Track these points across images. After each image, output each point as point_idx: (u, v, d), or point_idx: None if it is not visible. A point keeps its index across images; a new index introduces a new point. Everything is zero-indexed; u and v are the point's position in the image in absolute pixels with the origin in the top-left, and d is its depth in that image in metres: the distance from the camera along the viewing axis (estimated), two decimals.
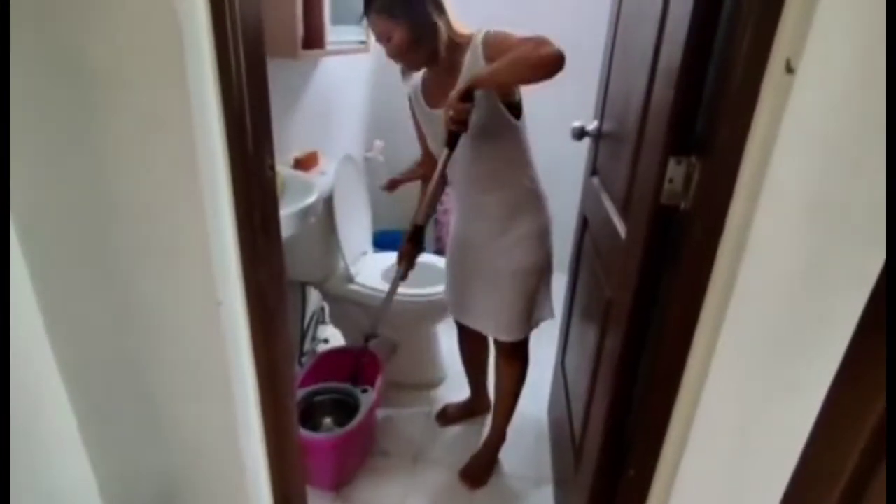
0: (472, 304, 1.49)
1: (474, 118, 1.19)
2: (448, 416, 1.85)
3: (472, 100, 1.15)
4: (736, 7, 0.62)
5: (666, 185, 0.76)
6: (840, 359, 0.52)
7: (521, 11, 2.41)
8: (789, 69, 0.56)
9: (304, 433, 1.39)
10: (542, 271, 1.41)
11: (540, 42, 1.10)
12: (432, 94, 1.35)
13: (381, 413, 1.79)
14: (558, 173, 1.79)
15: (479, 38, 1.22)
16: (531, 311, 1.42)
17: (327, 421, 1.56)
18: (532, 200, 1.36)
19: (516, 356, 1.52)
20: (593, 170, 1.39)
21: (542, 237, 1.38)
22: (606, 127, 1.27)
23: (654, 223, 0.80)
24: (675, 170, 0.74)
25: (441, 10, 1.23)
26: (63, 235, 0.79)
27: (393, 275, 1.55)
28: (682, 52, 0.69)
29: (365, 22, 1.27)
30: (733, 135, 0.62)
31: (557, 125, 1.65)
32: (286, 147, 1.67)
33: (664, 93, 0.77)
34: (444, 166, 1.27)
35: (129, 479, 0.99)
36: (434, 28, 1.23)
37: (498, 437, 1.65)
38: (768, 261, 0.62)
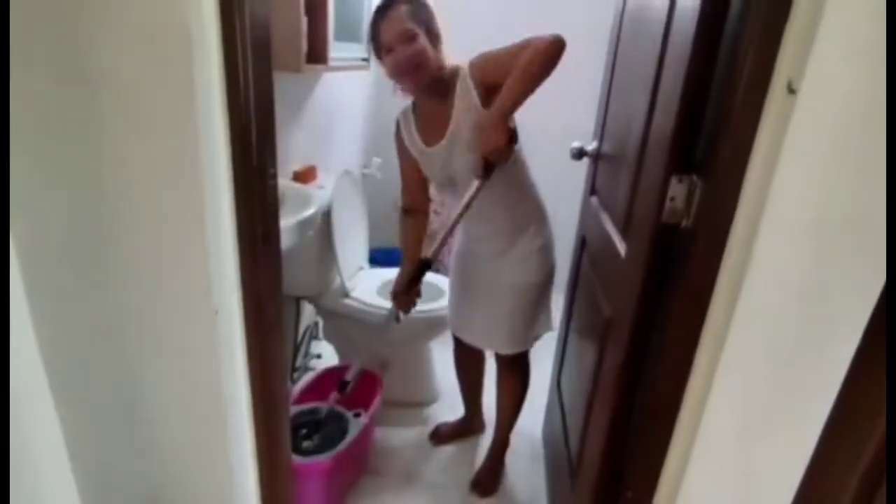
0: (474, 320, 1.49)
1: (475, 156, 1.21)
2: (441, 435, 1.83)
3: (512, 129, 1.17)
4: (738, 28, 0.64)
5: (667, 204, 0.76)
6: (841, 380, 0.52)
7: (520, 33, 2.48)
8: (791, 90, 0.57)
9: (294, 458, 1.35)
10: (546, 284, 1.43)
11: (533, 44, 1.12)
12: (426, 130, 1.35)
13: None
14: (556, 193, 1.81)
15: (465, 72, 1.24)
16: (533, 324, 1.44)
17: (307, 444, 1.47)
18: (536, 216, 1.39)
19: (517, 369, 1.54)
20: (592, 189, 1.40)
21: (546, 252, 1.41)
22: (606, 147, 1.29)
23: (656, 241, 0.80)
24: (677, 188, 0.75)
25: (440, 37, 1.25)
26: (58, 239, 0.78)
27: (386, 312, 1.50)
28: (684, 72, 0.70)
29: (367, 41, 1.29)
30: (735, 154, 0.62)
31: (556, 145, 1.67)
32: (286, 159, 1.68)
33: (666, 113, 0.78)
34: (474, 198, 1.23)
35: (113, 496, 0.96)
36: (439, 52, 1.25)
37: (502, 445, 1.67)
38: (771, 280, 0.62)
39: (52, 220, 0.77)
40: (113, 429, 0.91)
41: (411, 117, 1.38)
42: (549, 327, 1.49)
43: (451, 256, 1.60)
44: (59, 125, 0.72)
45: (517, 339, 1.45)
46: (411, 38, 1.19)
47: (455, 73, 1.26)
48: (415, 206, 1.50)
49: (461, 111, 1.25)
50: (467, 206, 1.24)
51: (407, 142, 1.39)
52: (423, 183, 1.46)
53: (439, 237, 1.31)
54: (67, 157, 0.74)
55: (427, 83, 1.25)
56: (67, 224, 0.77)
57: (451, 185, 1.38)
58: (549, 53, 1.11)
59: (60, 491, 0.89)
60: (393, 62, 1.21)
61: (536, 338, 1.48)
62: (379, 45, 1.24)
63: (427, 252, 1.36)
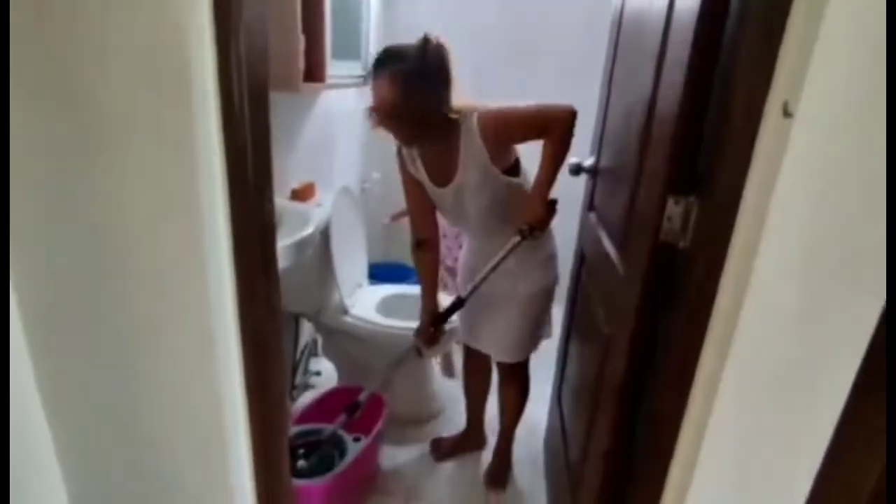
0: (483, 329, 1.53)
1: (478, 202, 1.29)
2: (442, 449, 1.82)
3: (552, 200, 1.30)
4: (733, 49, 0.64)
5: (664, 225, 0.76)
6: (841, 406, 0.51)
7: (520, 47, 2.49)
8: (787, 113, 0.57)
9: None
10: (549, 294, 1.49)
11: (555, 120, 1.22)
12: (431, 169, 1.35)
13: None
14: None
15: (473, 119, 1.24)
16: (536, 333, 1.51)
17: (301, 464, 1.44)
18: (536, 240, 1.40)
19: (519, 376, 1.59)
20: (590, 205, 1.39)
21: (551, 263, 1.46)
22: (603, 163, 1.29)
23: (653, 261, 0.80)
24: (674, 209, 0.75)
25: (448, 86, 1.22)
26: (56, 268, 0.78)
27: (403, 351, 1.50)
28: (680, 94, 0.71)
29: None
30: (732, 177, 0.62)
31: None
32: (284, 178, 1.68)
33: (662, 134, 0.79)
34: (512, 251, 1.31)
35: None
36: (437, 116, 1.22)
37: (507, 439, 1.72)
38: (769, 303, 0.62)
39: (50, 250, 0.76)
40: (109, 451, 0.90)
41: (415, 150, 1.37)
42: (548, 334, 1.55)
43: (459, 269, 1.61)
44: (53, 150, 0.72)
45: (523, 348, 1.51)
46: (389, 115, 1.19)
47: (464, 118, 1.25)
48: (426, 237, 1.48)
49: (469, 164, 1.26)
50: (504, 257, 1.31)
51: (412, 170, 1.39)
52: (431, 210, 1.45)
53: (478, 278, 1.35)
54: (61, 181, 0.74)
55: (416, 141, 1.27)
56: (64, 251, 0.77)
57: (464, 221, 1.41)
58: (571, 131, 1.25)
59: None
60: (374, 121, 1.24)
61: (537, 344, 1.54)
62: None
63: (463, 292, 1.40)
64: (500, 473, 1.73)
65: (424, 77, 1.17)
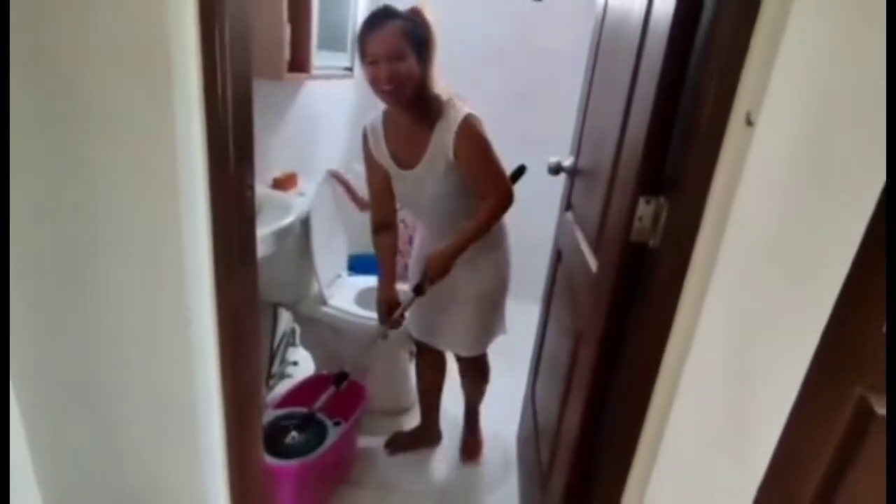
0: (438, 326, 1.55)
1: (437, 189, 1.33)
2: (397, 444, 1.82)
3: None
4: (702, 63, 0.67)
5: (636, 224, 0.79)
6: (791, 400, 0.55)
7: (508, 44, 2.52)
8: (749, 122, 0.60)
9: (269, 459, 1.35)
10: (501, 293, 1.54)
11: (494, 191, 1.31)
12: (399, 147, 1.36)
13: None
14: (536, 206, 1.84)
15: (456, 116, 1.25)
16: (490, 328, 1.56)
17: (293, 435, 1.46)
18: (496, 233, 1.45)
19: (478, 370, 1.68)
20: (568, 204, 1.43)
21: (503, 265, 1.51)
22: (582, 164, 1.32)
23: (624, 259, 0.83)
24: (645, 209, 0.78)
25: (432, 60, 1.25)
26: (34, 248, 0.77)
27: (373, 329, 1.54)
28: (652, 101, 0.74)
29: (354, 45, 1.28)
30: (698, 180, 0.65)
31: (536, 158, 1.70)
32: (266, 166, 1.67)
33: (635, 137, 0.82)
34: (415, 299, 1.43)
35: (80, 498, 0.94)
36: (425, 82, 1.25)
37: (474, 414, 1.83)
38: (729, 299, 0.65)
39: (29, 233, 0.76)
40: (81, 433, 0.90)
41: (380, 130, 1.39)
42: (503, 330, 1.60)
43: (410, 263, 1.62)
44: (36, 136, 0.72)
45: (478, 343, 1.56)
46: (399, 57, 1.19)
47: (445, 104, 1.27)
48: (387, 220, 1.50)
49: (437, 152, 1.28)
50: (411, 301, 1.44)
51: (376, 154, 1.40)
52: (392, 195, 1.47)
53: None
54: (44, 168, 0.74)
55: (405, 102, 1.26)
56: (45, 234, 0.77)
57: (417, 206, 1.43)
58: (498, 215, 1.36)
59: (25, 497, 0.87)
60: (374, 74, 1.21)
61: (492, 340, 1.60)
62: (364, 53, 1.22)
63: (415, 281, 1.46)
64: (474, 446, 1.82)
65: (418, 39, 1.21)
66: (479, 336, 1.55)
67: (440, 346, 1.61)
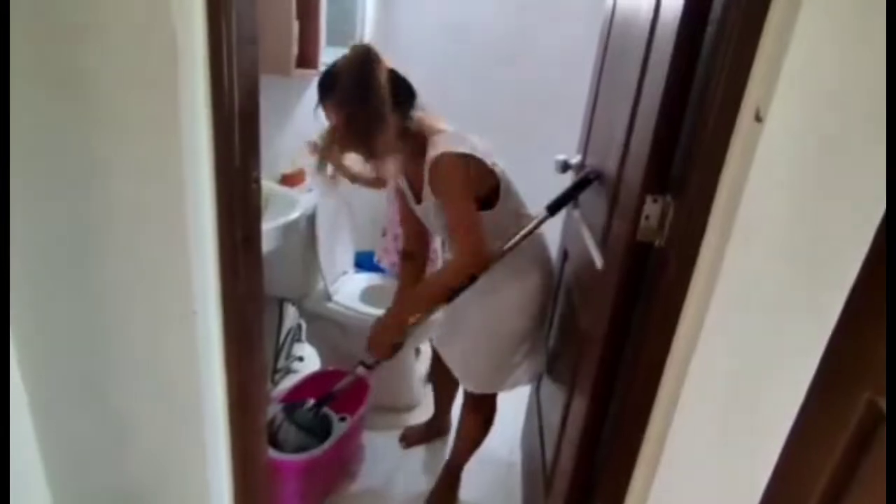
0: (451, 345, 1.48)
1: (443, 222, 1.23)
2: (409, 438, 1.84)
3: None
4: (711, 59, 0.66)
5: (642, 223, 0.78)
6: (798, 405, 0.54)
7: (513, 42, 2.50)
8: (758, 118, 0.59)
9: (273, 454, 1.36)
10: (520, 338, 1.35)
11: (457, 265, 1.21)
12: (412, 186, 1.32)
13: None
14: (542, 204, 1.82)
15: (432, 155, 1.15)
16: (502, 374, 1.38)
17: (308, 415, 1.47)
18: (528, 255, 1.31)
19: (478, 409, 1.48)
20: (575, 203, 1.41)
21: (529, 298, 1.33)
22: (589, 162, 1.31)
23: (630, 258, 0.82)
24: (652, 208, 0.77)
25: (398, 104, 1.15)
26: (39, 239, 0.78)
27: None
28: (660, 97, 0.73)
29: None
30: (705, 178, 0.64)
31: (544, 157, 1.69)
32: (274, 162, 1.68)
33: (643, 135, 0.81)
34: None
35: (87, 496, 0.95)
36: (379, 122, 1.12)
37: (454, 474, 1.59)
38: (736, 299, 0.64)
39: (35, 221, 0.77)
40: (87, 427, 0.91)
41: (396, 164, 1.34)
42: (526, 380, 1.42)
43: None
44: (42, 128, 0.72)
45: (483, 382, 1.40)
46: (344, 132, 1.15)
47: (428, 142, 1.19)
48: (412, 250, 1.48)
49: (427, 187, 1.23)
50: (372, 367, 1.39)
51: (399, 184, 1.38)
52: (417, 224, 1.40)
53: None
54: (50, 159, 0.74)
55: (359, 150, 1.20)
56: (50, 225, 0.77)
57: (438, 236, 1.42)
58: (462, 278, 1.21)
59: (29, 495, 0.88)
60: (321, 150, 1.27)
61: (510, 388, 1.41)
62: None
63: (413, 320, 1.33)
64: None
65: (356, 94, 1.11)
66: (487, 374, 1.38)
67: (446, 361, 1.49)
